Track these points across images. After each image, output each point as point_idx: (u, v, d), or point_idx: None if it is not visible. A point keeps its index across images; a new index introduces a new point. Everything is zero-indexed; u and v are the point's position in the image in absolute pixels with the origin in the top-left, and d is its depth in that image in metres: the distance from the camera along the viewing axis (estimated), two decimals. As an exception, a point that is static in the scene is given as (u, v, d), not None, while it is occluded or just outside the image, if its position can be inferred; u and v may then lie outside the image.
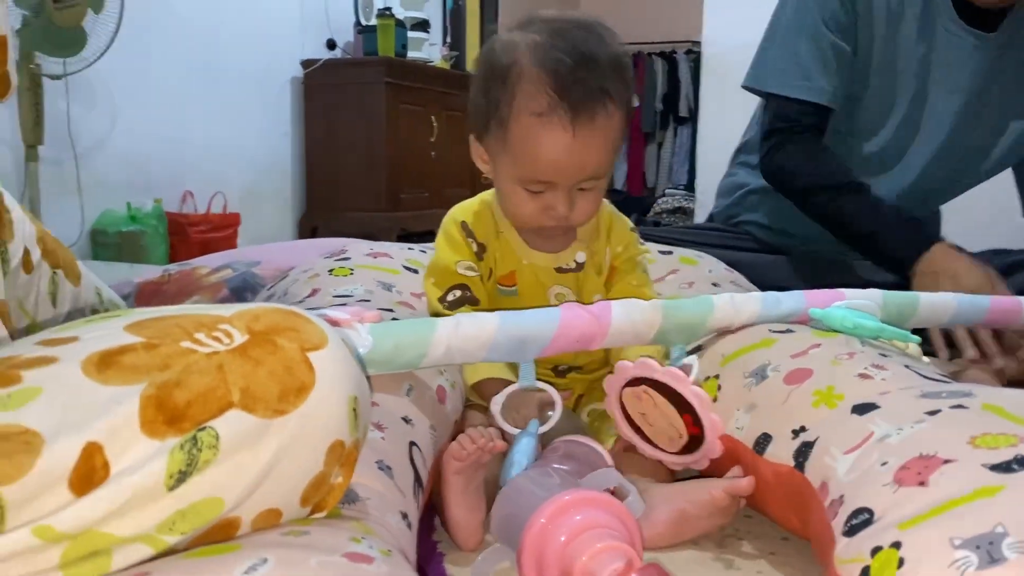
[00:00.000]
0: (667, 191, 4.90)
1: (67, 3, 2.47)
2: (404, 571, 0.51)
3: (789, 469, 0.74)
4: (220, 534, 0.49)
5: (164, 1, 3.08)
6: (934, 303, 1.05)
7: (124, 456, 0.45)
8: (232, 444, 0.48)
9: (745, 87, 1.55)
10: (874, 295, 0.99)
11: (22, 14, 2.46)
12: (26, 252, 0.95)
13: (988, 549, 0.48)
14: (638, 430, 0.94)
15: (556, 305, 0.88)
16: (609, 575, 0.63)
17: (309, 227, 3.82)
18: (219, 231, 3.20)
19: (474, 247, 0.98)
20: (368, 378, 0.62)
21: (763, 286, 1.25)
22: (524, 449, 0.83)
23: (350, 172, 3.76)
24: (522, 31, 0.91)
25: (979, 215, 1.37)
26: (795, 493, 0.73)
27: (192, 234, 3.08)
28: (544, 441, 0.88)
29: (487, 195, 1.03)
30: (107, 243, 2.86)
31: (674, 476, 0.91)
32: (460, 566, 0.77)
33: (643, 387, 0.89)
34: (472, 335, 0.82)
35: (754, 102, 1.61)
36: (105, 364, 0.49)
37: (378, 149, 3.70)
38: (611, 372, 0.90)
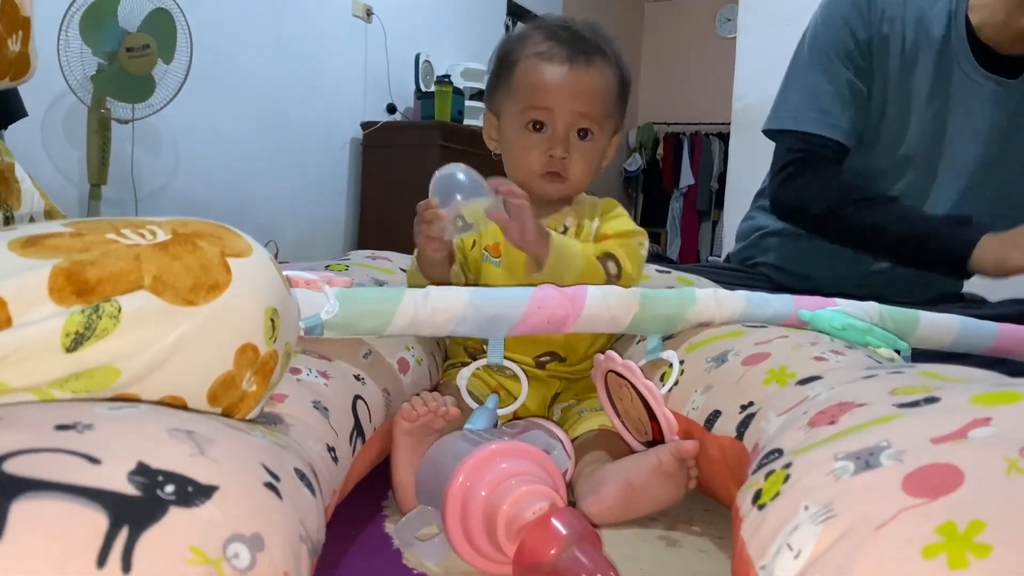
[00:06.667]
0: (710, 259, 4.89)
1: (139, 52, 2.65)
2: (291, 459, 0.52)
3: (731, 440, 0.73)
4: (119, 408, 0.52)
5: (233, 55, 3.27)
6: (935, 323, 1.03)
7: (26, 314, 0.48)
8: (134, 319, 0.51)
9: (765, 131, 1.55)
10: (870, 307, 0.98)
11: (98, 62, 2.65)
12: (31, 221, 1.01)
13: (867, 459, 0.47)
14: (620, 415, 0.94)
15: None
16: (533, 515, 0.63)
17: (358, 282, 3.91)
18: (268, 277, 3.31)
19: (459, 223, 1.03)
20: (294, 298, 0.64)
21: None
22: (476, 420, 0.84)
23: (402, 230, 3.83)
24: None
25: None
26: (735, 461, 0.72)
27: (241, 278, 3.18)
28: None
29: None
30: (159, 281, 2.98)
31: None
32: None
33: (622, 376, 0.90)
34: (441, 308, 0.84)
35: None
36: (30, 243, 0.52)
37: (429, 209, 3.79)
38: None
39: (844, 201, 1.38)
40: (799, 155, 1.44)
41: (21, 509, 0.35)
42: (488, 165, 1.08)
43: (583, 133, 1.00)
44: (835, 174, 1.41)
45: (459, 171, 0.91)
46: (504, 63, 1.04)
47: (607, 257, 0.99)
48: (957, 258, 1.28)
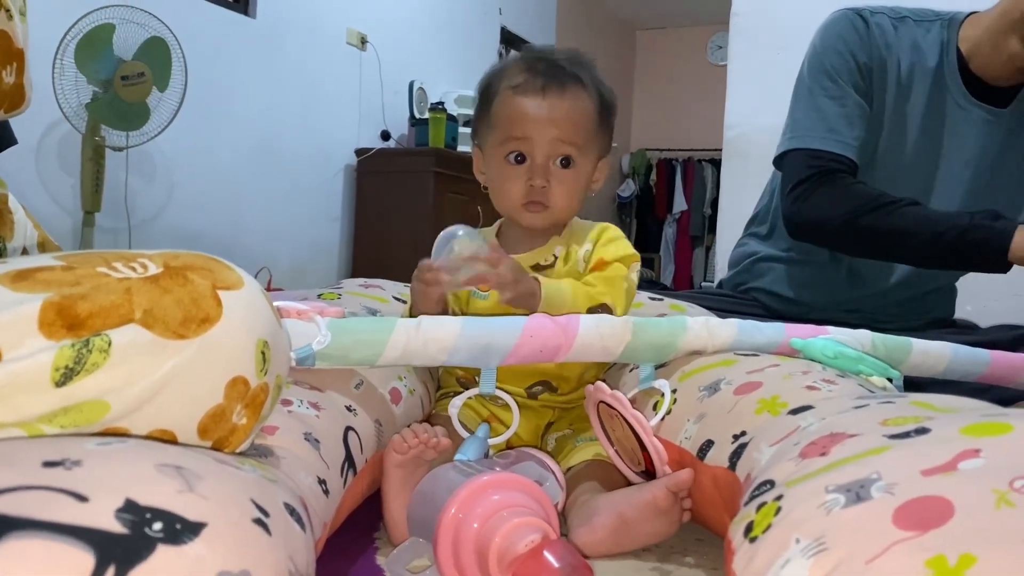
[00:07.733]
0: (702, 284, 4.91)
1: (134, 80, 2.66)
2: (281, 494, 0.52)
3: (724, 470, 0.73)
4: (108, 442, 0.51)
5: (227, 83, 3.29)
6: (928, 351, 1.03)
7: (16, 349, 0.48)
8: (124, 353, 0.51)
9: (775, 160, 1.52)
10: (862, 335, 0.98)
11: (92, 90, 2.66)
12: (24, 252, 1.01)
13: (858, 491, 0.47)
14: (614, 444, 0.94)
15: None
16: (525, 547, 0.62)
17: (352, 308, 3.91)
18: (261, 304, 3.30)
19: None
20: (285, 329, 0.64)
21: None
22: (467, 450, 0.83)
23: (396, 256, 3.85)
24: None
25: (993, 292, 1.33)
26: (728, 491, 0.72)
27: (235, 305, 3.18)
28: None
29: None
30: (153, 308, 2.98)
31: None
32: (392, 559, 0.76)
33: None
34: (433, 338, 0.84)
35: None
36: (21, 277, 0.52)
37: (424, 235, 3.78)
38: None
39: (863, 209, 1.33)
40: (812, 171, 1.40)
41: (6, 549, 0.34)
42: (481, 194, 1.09)
43: (564, 161, 1.00)
44: (849, 184, 1.37)
45: (459, 230, 0.92)
46: (484, 97, 1.05)
47: (599, 309, 0.98)
48: (994, 251, 1.24)
